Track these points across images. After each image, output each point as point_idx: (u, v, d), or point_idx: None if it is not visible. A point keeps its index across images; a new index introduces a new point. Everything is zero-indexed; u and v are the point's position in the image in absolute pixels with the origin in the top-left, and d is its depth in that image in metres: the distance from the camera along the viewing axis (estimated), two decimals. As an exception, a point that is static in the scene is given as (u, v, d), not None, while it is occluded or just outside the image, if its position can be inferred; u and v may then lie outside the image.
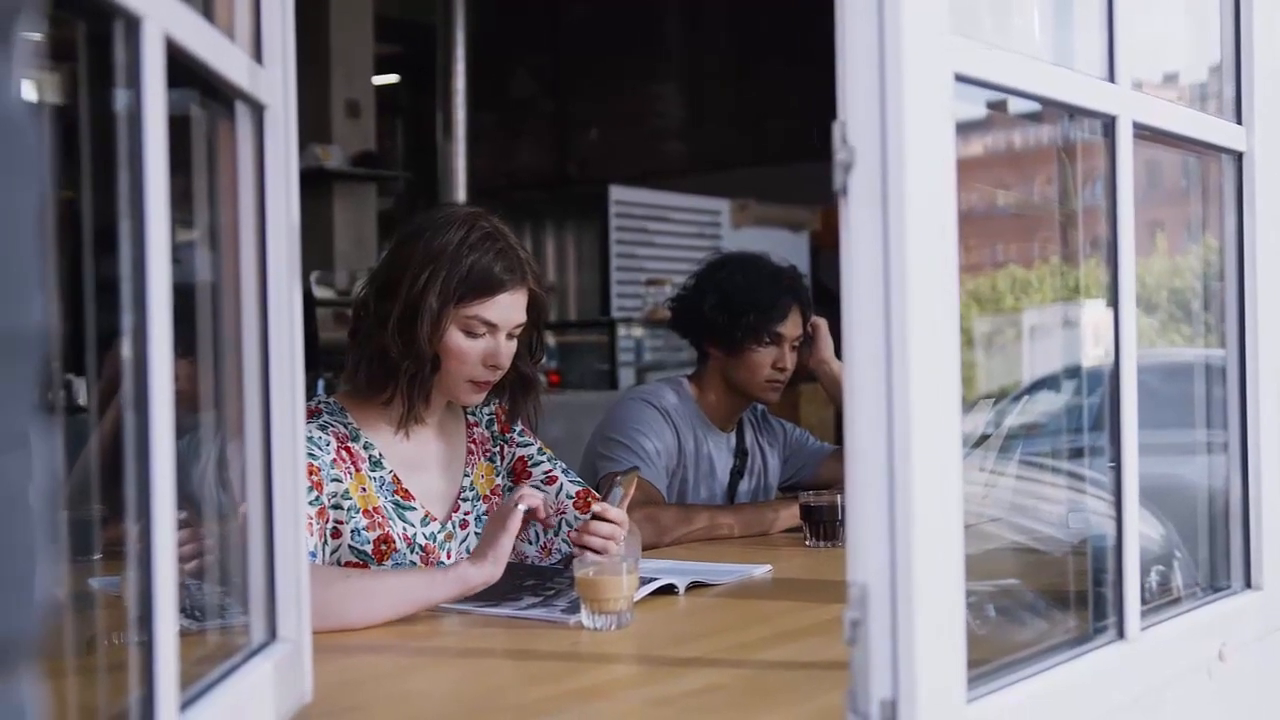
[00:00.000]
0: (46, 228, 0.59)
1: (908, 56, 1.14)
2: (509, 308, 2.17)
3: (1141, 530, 1.55)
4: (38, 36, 0.64)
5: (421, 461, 2.26)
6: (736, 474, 3.09)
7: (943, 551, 1.18)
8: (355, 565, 2.12)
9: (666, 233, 8.19)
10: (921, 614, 1.14)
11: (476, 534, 2.28)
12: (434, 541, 2.22)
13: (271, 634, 1.34)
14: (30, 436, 0.56)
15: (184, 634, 1.06)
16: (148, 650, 0.99)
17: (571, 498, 2.31)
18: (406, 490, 2.21)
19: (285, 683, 1.33)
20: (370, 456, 2.19)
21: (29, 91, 0.61)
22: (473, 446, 2.34)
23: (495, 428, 2.38)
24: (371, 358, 2.16)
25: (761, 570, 2.31)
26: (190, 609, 1.35)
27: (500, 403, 2.36)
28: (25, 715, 0.57)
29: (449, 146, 8.96)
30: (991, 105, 1.44)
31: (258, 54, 1.33)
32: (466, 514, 2.29)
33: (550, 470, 2.36)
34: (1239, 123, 1.77)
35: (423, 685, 1.62)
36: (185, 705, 1.07)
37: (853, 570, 1.16)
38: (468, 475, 2.31)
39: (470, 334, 2.15)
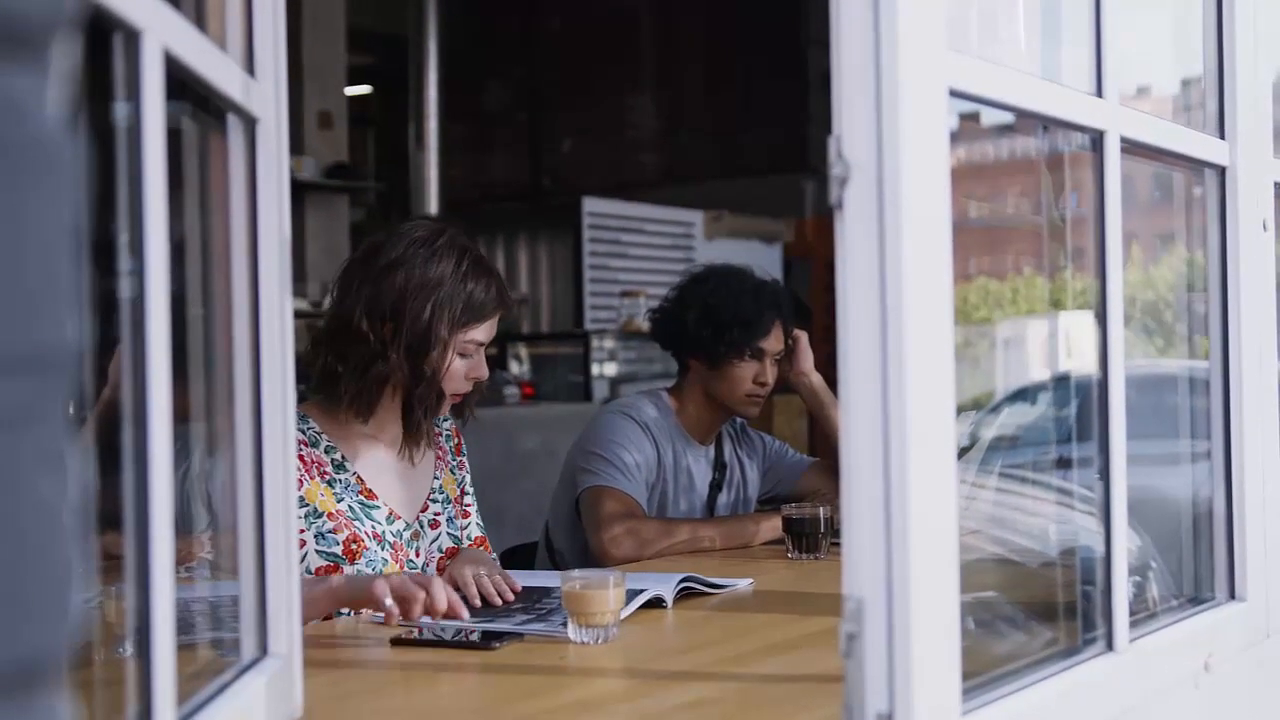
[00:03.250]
0: (79, 246, 0.59)
1: (904, 71, 1.14)
2: (494, 326, 2.32)
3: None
4: (72, 57, 0.64)
5: (388, 465, 2.33)
6: (716, 487, 3.09)
7: (938, 564, 1.19)
8: (327, 569, 2.15)
9: (640, 244, 8.18)
10: (918, 627, 1.14)
11: (449, 534, 2.38)
12: (401, 539, 2.28)
13: (263, 649, 1.34)
14: (65, 454, 0.56)
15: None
16: (145, 666, 0.98)
17: (471, 540, 2.42)
18: (370, 490, 2.27)
19: (277, 698, 1.32)
20: (333, 460, 2.25)
21: (63, 110, 0.60)
22: (440, 454, 2.44)
23: (452, 444, 2.48)
24: (374, 384, 2.23)
25: (744, 584, 2.32)
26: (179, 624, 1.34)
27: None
28: None
29: (421, 157, 8.95)
30: (964, 116, 1.45)
31: (250, 67, 1.32)
32: (437, 514, 2.38)
33: (469, 505, 2.48)
34: (1221, 137, 1.79)
35: (412, 700, 1.61)
36: (181, 722, 1.06)
37: (848, 583, 1.16)
38: (437, 478, 2.40)
39: (463, 355, 2.27)
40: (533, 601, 2.11)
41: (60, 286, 0.56)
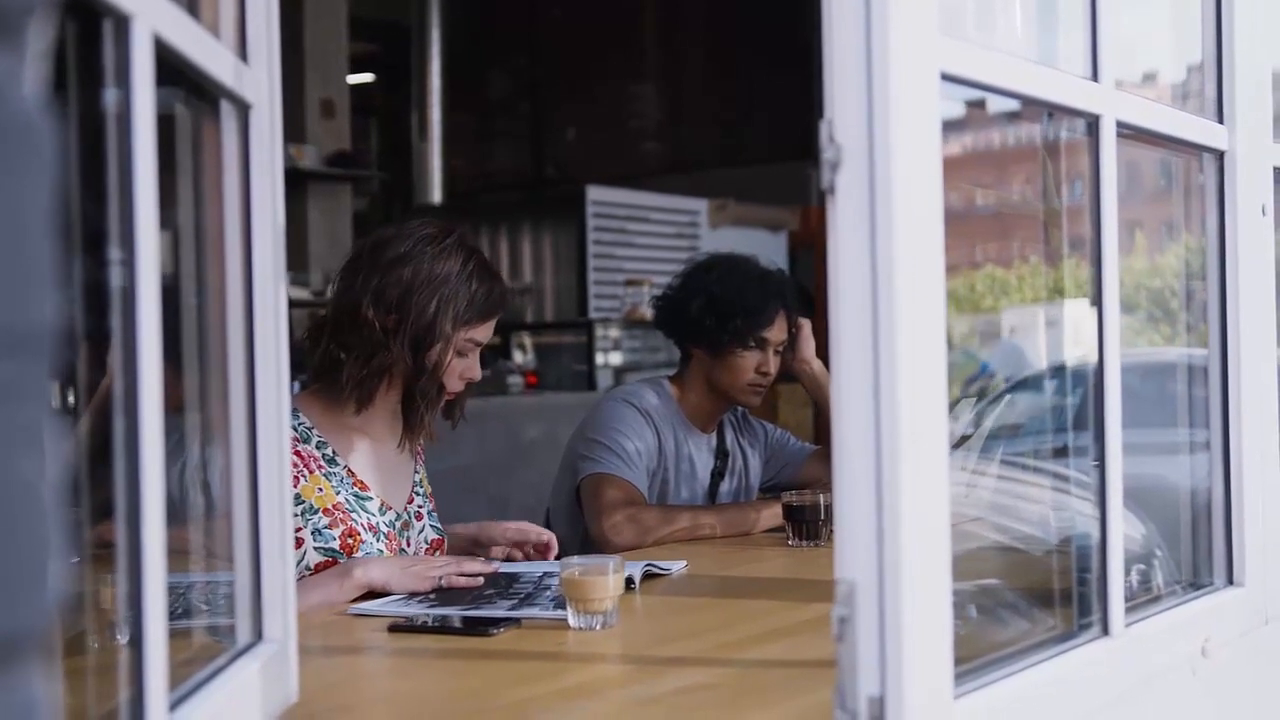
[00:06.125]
0: (57, 228, 0.59)
1: (895, 55, 1.14)
2: (492, 328, 2.34)
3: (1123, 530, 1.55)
4: (50, 36, 0.64)
5: (375, 457, 2.34)
6: (718, 475, 3.09)
7: (930, 548, 1.19)
8: (326, 564, 2.16)
9: (644, 233, 8.17)
10: (909, 611, 1.14)
11: (432, 526, 2.41)
12: (393, 529, 2.31)
13: (258, 634, 1.34)
14: (44, 433, 0.57)
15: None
16: (137, 650, 0.98)
17: (427, 544, 2.40)
18: (362, 482, 2.29)
19: (272, 683, 1.32)
20: (324, 454, 2.27)
21: (40, 91, 0.61)
22: (419, 449, 2.46)
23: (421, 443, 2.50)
24: (376, 374, 2.25)
25: (679, 566, 2.33)
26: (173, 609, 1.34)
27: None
28: (36, 710, 0.57)
29: (424, 147, 8.96)
30: (969, 104, 1.45)
31: (243, 52, 1.32)
32: (420, 507, 2.41)
33: (429, 506, 2.46)
34: (1220, 122, 1.78)
35: (408, 686, 1.61)
36: (174, 705, 1.06)
37: (841, 567, 1.17)
38: (418, 472, 2.44)
39: (461, 354, 2.29)
40: (504, 587, 2.11)
41: (40, 268, 0.57)
